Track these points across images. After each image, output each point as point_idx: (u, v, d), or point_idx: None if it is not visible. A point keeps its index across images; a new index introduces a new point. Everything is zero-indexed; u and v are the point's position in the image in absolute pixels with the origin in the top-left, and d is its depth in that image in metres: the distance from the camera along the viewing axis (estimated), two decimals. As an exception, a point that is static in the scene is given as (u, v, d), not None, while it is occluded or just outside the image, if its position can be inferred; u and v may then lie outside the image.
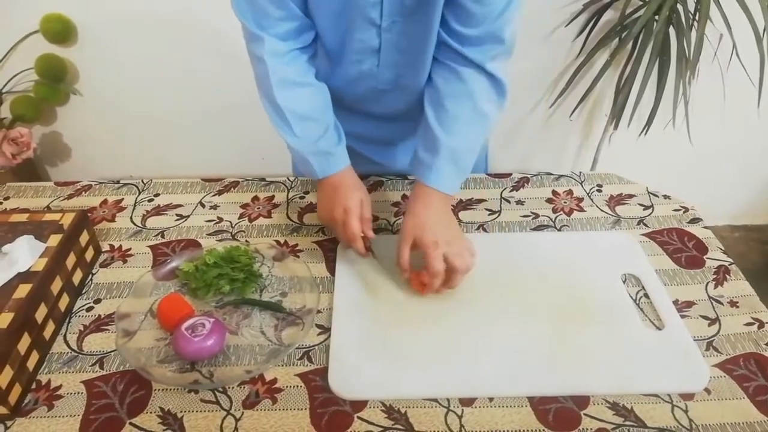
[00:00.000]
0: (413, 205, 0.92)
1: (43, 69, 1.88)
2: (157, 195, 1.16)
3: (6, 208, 1.12)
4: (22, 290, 0.80)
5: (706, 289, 0.94)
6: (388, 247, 0.94)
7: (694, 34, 1.69)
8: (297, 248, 1.02)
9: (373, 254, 0.95)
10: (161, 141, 2.19)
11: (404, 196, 1.14)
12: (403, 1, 0.89)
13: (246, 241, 1.03)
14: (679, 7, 1.72)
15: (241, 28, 0.93)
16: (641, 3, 1.80)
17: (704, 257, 1.00)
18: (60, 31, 1.84)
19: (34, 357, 0.81)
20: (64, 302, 0.89)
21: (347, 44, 0.95)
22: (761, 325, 0.87)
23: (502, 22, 0.86)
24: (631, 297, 0.92)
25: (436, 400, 0.77)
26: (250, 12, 0.90)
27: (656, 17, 1.69)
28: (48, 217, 0.94)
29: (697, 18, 1.69)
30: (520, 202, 1.13)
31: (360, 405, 0.77)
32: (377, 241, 0.95)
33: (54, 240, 0.89)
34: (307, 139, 0.94)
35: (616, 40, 1.83)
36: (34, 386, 0.79)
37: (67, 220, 0.93)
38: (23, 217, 0.94)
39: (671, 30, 1.76)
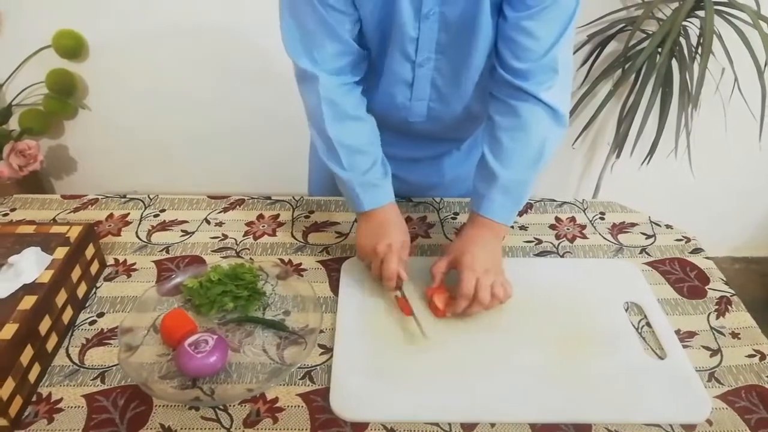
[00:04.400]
0: (465, 230, 0.96)
1: (53, 83, 1.91)
2: (162, 210, 1.16)
3: (12, 220, 1.12)
4: (27, 302, 0.81)
5: (708, 319, 0.94)
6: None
7: (696, 67, 1.71)
8: (301, 267, 1.03)
9: (401, 294, 0.94)
10: (166, 157, 2.21)
11: (408, 218, 1.15)
12: (438, 39, 0.92)
13: (250, 258, 1.04)
14: (682, 40, 1.75)
15: (293, 67, 0.95)
16: (645, 36, 1.83)
17: (706, 287, 1.01)
18: (72, 46, 1.87)
19: (36, 369, 0.80)
20: (67, 315, 0.89)
21: (383, 76, 0.99)
22: (763, 357, 0.87)
23: (554, 52, 0.88)
24: (633, 325, 0.92)
25: (437, 424, 0.77)
26: (303, 50, 0.91)
27: (659, 50, 1.72)
28: (55, 229, 0.95)
29: (699, 51, 1.72)
30: (523, 228, 1.14)
31: (361, 427, 0.76)
32: (407, 283, 0.95)
33: (60, 252, 0.90)
34: (356, 171, 0.95)
35: (620, 71, 1.86)
36: (34, 399, 0.79)
37: (74, 233, 0.94)
38: (30, 229, 0.95)
39: (674, 62, 1.79)
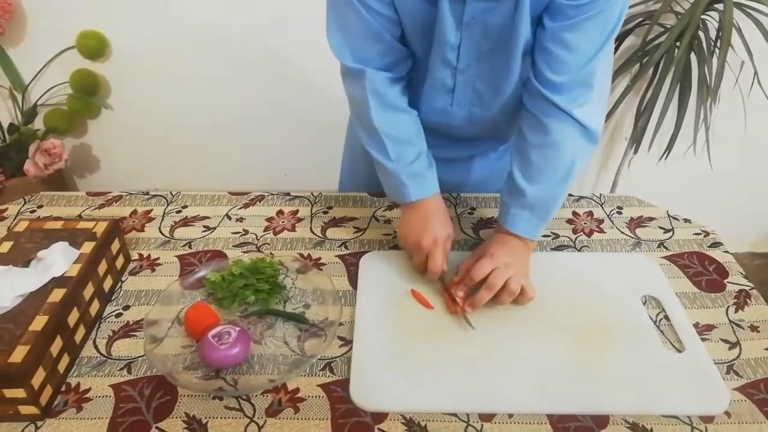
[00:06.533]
0: (493, 235, 0.98)
1: (77, 83, 1.95)
2: (184, 207, 1.19)
3: (39, 216, 1.15)
4: (56, 294, 0.83)
5: (726, 313, 0.94)
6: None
7: (715, 60, 1.70)
8: (320, 261, 1.05)
9: (443, 283, 0.97)
10: (187, 155, 2.25)
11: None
12: (479, 46, 0.92)
13: (270, 253, 1.06)
14: (701, 34, 1.74)
15: (339, 65, 0.97)
16: (663, 30, 1.82)
17: (725, 281, 1.01)
18: (95, 47, 1.91)
19: (65, 360, 0.83)
20: (94, 308, 0.91)
21: (426, 81, 1.00)
22: (782, 350, 0.87)
23: (591, 67, 0.87)
24: (651, 319, 0.92)
25: (455, 415, 0.78)
26: (348, 50, 0.93)
27: (678, 44, 1.71)
28: (82, 225, 0.97)
29: (718, 45, 1.70)
30: (540, 223, 1.14)
31: (380, 417, 0.78)
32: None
33: (87, 247, 0.92)
34: (402, 162, 0.97)
35: (637, 65, 1.85)
36: (64, 388, 0.81)
37: (100, 228, 0.96)
38: (58, 225, 0.97)
39: (692, 56, 1.77)
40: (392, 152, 0.96)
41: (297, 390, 0.81)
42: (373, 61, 0.94)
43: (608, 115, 1.94)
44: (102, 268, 0.94)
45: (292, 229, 1.13)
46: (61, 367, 0.82)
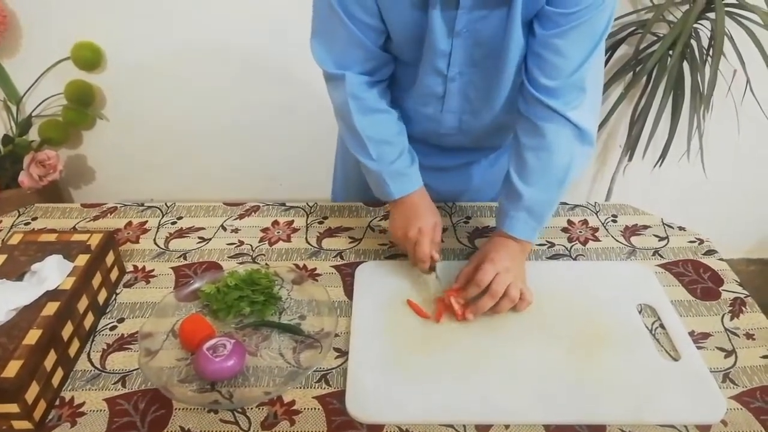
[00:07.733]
0: (490, 239, 0.99)
1: (72, 94, 1.95)
2: (180, 218, 1.18)
3: (34, 228, 1.15)
4: (50, 308, 0.82)
5: (722, 320, 0.94)
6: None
7: (708, 69, 1.71)
8: (316, 272, 1.04)
9: (437, 275, 0.98)
10: (182, 166, 2.24)
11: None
12: (471, 54, 0.93)
13: (266, 264, 1.05)
14: (693, 42, 1.75)
15: (322, 73, 0.99)
16: (655, 38, 1.83)
17: (720, 289, 1.01)
18: (90, 58, 1.91)
19: (59, 374, 0.82)
20: (89, 321, 0.91)
21: (414, 88, 1.01)
22: (778, 358, 0.87)
23: (583, 71, 0.89)
24: (647, 327, 0.92)
25: (452, 426, 0.78)
26: (330, 57, 0.95)
27: (670, 52, 1.72)
28: (76, 237, 0.97)
29: (711, 53, 1.72)
30: (535, 231, 1.15)
31: (377, 429, 0.77)
32: (441, 265, 0.99)
33: (81, 260, 0.92)
34: (383, 161, 0.98)
35: (631, 74, 1.86)
36: (57, 403, 0.81)
37: (95, 240, 0.96)
38: (52, 237, 0.97)
39: (685, 64, 1.79)
40: (373, 152, 0.98)
41: (293, 402, 0.81)
42: (354, 67, 0.95)
43: (602, 123, 1.94)
44: (96, 280, 0.93)
45: (288, 239, 1.13)
46: (55, 381, 0.81)
